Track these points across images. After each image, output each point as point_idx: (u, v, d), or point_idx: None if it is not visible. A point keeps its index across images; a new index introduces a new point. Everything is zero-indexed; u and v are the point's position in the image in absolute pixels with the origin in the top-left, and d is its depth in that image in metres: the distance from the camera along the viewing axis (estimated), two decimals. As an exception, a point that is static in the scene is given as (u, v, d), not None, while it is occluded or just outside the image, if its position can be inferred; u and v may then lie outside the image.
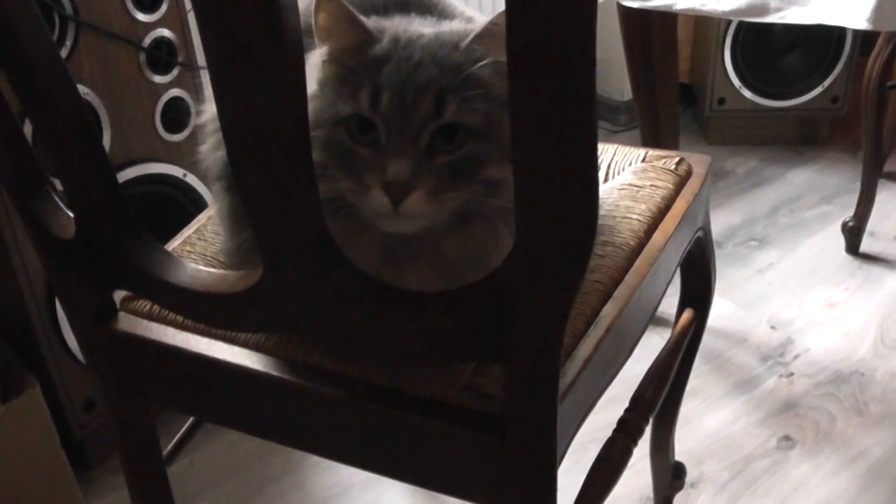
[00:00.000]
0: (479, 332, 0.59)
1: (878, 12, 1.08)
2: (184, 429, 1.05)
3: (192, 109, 1.39)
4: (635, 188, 0.91)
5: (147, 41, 1.31)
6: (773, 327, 1.71)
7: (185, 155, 1.39)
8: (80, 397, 1.38)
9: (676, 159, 0.96)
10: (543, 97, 0.48)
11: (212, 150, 0.74)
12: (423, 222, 0.64)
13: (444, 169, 0.63)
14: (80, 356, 1.34)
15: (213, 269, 0.72)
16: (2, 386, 1.27)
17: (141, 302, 0.82)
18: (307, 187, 0.58)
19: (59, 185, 0.73)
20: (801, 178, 2.24)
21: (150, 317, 0.82)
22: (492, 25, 0.63)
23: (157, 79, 1.34)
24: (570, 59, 0.47)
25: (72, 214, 0.72)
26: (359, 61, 0.64)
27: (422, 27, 0.68)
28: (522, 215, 0.53)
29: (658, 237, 0.87)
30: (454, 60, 0.64)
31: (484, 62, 0.64)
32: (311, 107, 0.62)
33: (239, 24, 0.51)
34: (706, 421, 1.50)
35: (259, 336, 0.76)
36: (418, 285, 0.67)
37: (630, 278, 0.81)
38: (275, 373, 0.74)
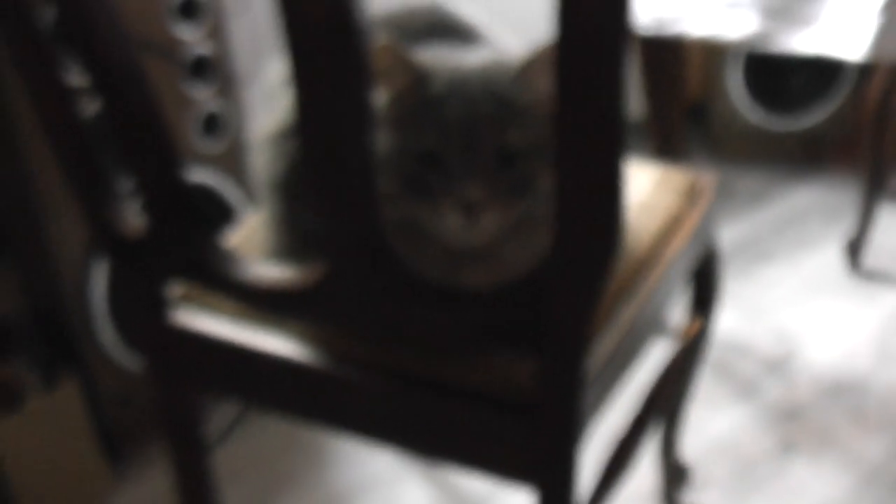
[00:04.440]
0: (516, 328, 0.67)
1: (876, 46, 1.12)
2: (224, 422, 1.10)
3: (230, 123, 1.42)
4: (647, 205, 0.96)
5: (188, 56, 1.34)
6: (777, 339, 1.75)
7: (221, 166, 1.44)
8: (115, 393, 1.41)
9: (686, 177, 1.01)
10: (587, 122, 0.56)
11: (270, 161, 0.82)
12: (493, 234, 0.73)
13: (508, 186, 0.72)
14: (115, 354, 1.39)
15: (272, 266, 0.78)
16: (40, 380, 1.32)
17: (196, 295, 0.88)
18: (367, 189, 0.66)
19: (124, 184, 0.79)
20: (806, 196, 2.28)
21: (204, 310, 0.88)
22: (534, 57, 0.72)
23: (197, 93, 1.37)
24: (610, 88, 0.54)
25: (138, 211, 0.78)
26: (420, 101, 0.73)
27: (463, 59, 0.76)
28: (559, 223, 0.60)
29: (668, 252, 0.92)
30: (508, 92, 0.72)
31: (532, 89, 0.72)
32: (381, 146, 0.71)
33: (311, 18, 0.59)
34: (712, 426, 1.54)
35: (310, 328, 0.82)
36: (479, 287, 0.74)
37: (642, 289, 0.87)
38: (324, 364, 0.81)
